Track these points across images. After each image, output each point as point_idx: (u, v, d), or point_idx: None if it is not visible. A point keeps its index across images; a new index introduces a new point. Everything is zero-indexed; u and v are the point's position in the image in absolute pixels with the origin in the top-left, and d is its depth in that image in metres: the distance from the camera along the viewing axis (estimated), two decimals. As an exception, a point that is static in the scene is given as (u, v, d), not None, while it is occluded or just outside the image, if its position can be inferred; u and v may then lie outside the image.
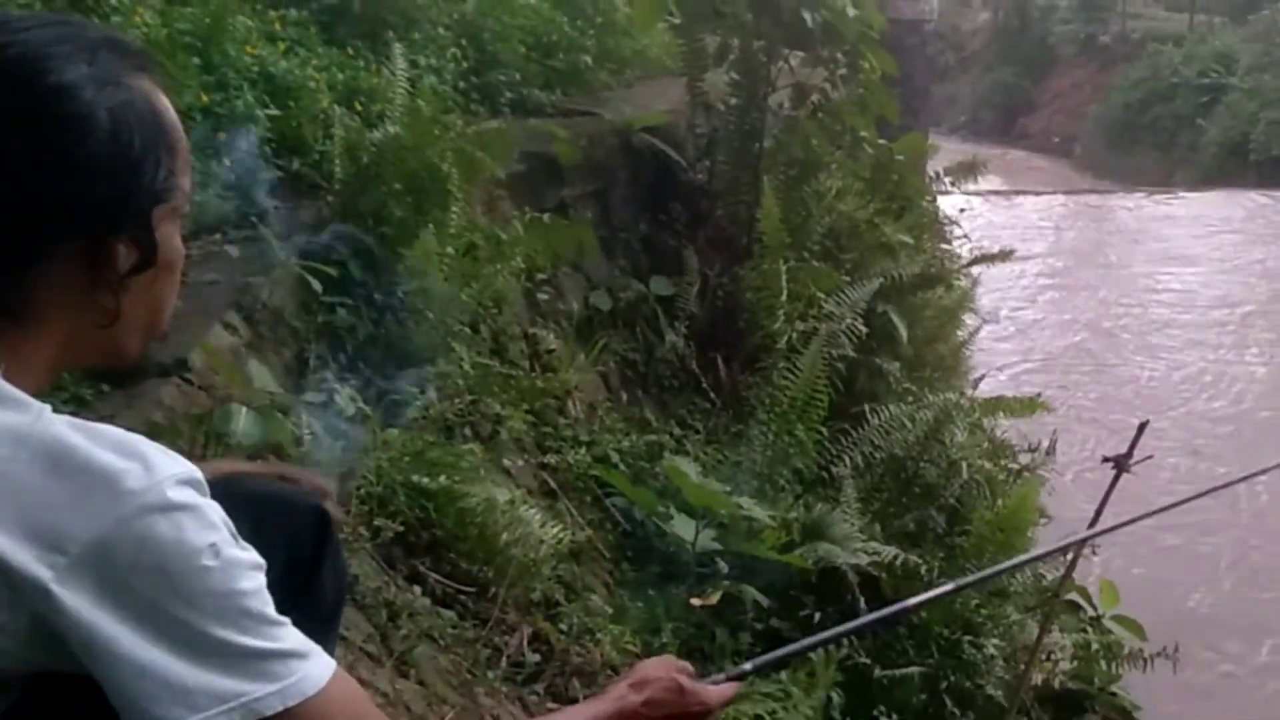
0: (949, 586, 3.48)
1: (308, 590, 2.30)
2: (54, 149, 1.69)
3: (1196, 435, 14.10)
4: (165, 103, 1.86)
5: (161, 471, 1.66)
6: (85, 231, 1.73)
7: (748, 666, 2.62)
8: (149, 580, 1.62)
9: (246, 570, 1.73)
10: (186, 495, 1.67)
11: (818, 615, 6.43)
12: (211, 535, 1.68)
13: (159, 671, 1.63)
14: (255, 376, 4.66)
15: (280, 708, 1.70)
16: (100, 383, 4.25)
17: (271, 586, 2.21)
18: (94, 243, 1.74)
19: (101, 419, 4.20)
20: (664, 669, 2.35)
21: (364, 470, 4.72)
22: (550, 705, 4.79)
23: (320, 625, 2.28)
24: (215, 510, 1.72)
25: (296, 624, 2.25)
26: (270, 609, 1.77)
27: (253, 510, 2.22)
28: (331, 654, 2.42)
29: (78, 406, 4.26)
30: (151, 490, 1.63)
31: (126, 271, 1.78)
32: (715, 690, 2.40)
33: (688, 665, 2.43)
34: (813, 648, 2.92)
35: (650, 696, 2.23)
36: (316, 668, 1.78)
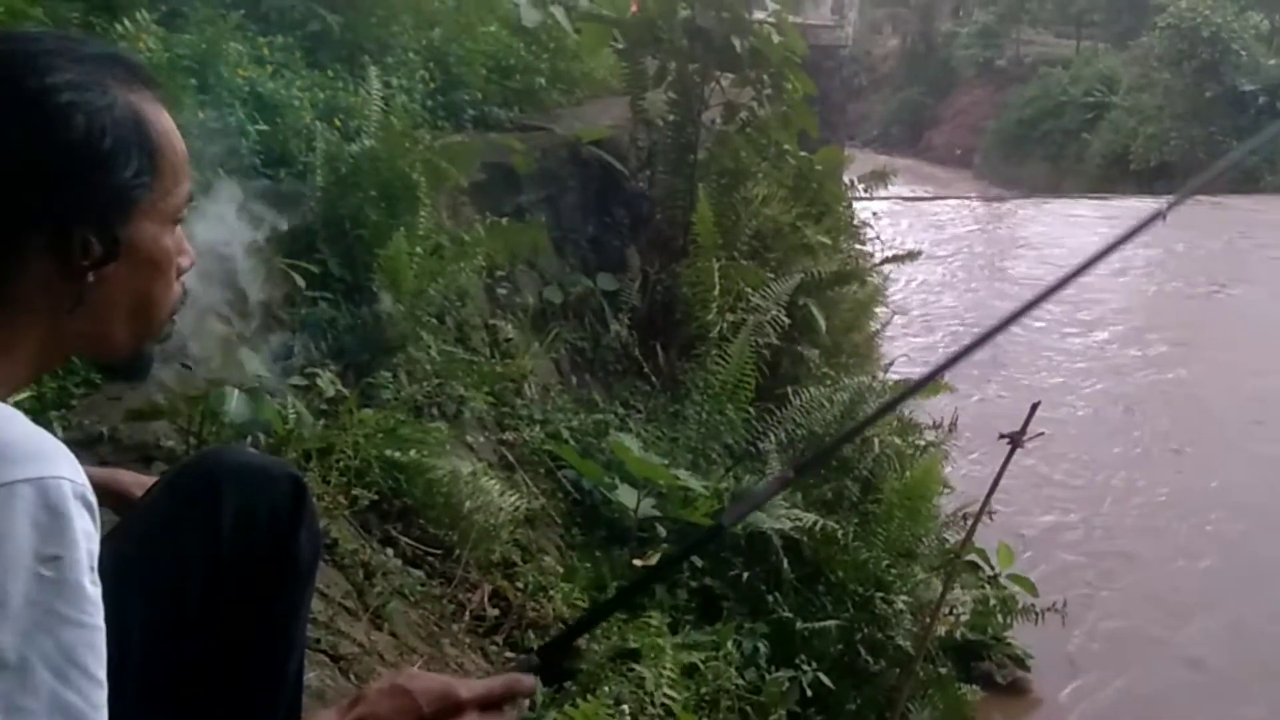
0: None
1: (287, 549, 2.28)
2: (28, 143, 1.68)
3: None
4: (157, 113, 1.84)
5: (57, 468, 1.54)
6: (53, 221, 1.71)
7: (534, 655, 2.20)
8: None
9: (88, 605, 1.54)
10: (64, 500, 1.52)
11: (745, 575, 6.45)
12: (63, 551, 1.51)
13: None
14: (246, 362, 4.66)
15: None
16: (122, 377, 4.25)
17: (256, 547, 2.23)
18: (60, 233, 1.71)
19: (109, 399, 4.23)
20: (389, 679, 1.98)
21: (343, 445, 4.73)
22: (508, 654, 4.80)
23: (299, 580, 2.31)
24: (86, 536, 1.55)
25: (278, 579, 2.29)
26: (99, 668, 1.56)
27: (236, 478, 2.26)
28: (308, 605, 2.45)
29: (90, 390, 4.27)
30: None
31: (92, 263, 1.74)
32: (468, 686, 1.96)
33: (449, 680, 2.00)
34: (595, 623, 2.67)
35: (365, 711, 1.88)
36: None
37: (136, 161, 1.77)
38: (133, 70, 1.84)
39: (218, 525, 2.18)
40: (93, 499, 1.57)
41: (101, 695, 1.53)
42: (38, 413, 3.65)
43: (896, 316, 13.11)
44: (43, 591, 1.48)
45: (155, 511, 2.13)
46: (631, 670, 4.62)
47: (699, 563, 6.29)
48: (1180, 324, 18.36)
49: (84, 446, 3.77)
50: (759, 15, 9.66)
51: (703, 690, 5.21)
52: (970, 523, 6.71)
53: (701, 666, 5.30)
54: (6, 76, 1.70)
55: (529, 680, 2.05)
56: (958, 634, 8.09)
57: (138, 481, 2.49)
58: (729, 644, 5.74)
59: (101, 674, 1.54)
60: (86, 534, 1.54)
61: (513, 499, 5.29)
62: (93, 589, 1.54)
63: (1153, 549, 10.71)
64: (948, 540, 7.93)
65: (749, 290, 8.44)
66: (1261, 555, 10.38)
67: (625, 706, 4.26)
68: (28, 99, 1.69)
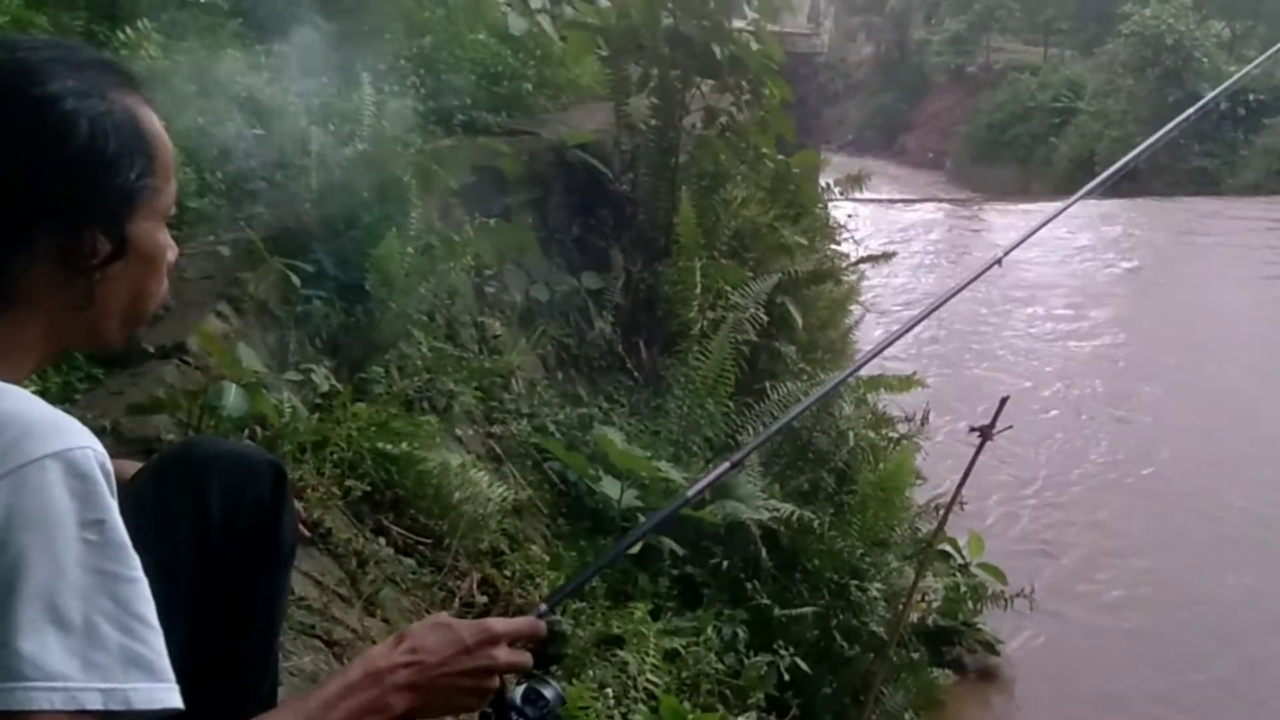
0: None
1: (271, 532, 2.31)
2: (36, 150, 1.73)
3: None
4: (150, 117, 1.88)
5: (80, 439, 1.62)
6: (62, 222, 1.76)
7: (543, 606, 2.25)
8: (27, 527, 1.53)
9: (133, 560, 1.63)
10: (92, 467, 1.60)
11: (725, 563, 6.46)
12: (103, 514, 1.60)
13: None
14: (243, 358, 4.65)
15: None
16: (111, 363, 4.26)
17: (241, 530, 2.26)
18: (70, 233, 1.77)
19: (111, 394, 4.23)
20: (431, 618, 2.05)
21: (336, 438, 4.74)
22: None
23: (282, 561, 2.36)
24: (114, 498, 1.63)
25: (263, 561, 2.31)
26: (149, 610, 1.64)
27: (221, 466, 2.29)
28: (288, 587, 2.49)
29: (93, 384, 4.28)
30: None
31: (100, 261, 1.80)
32: (500, 622, 2.08)
33: (484, 619, 2.10)
34: (593, 574, 2.75)
35: (414, 644, 1.93)
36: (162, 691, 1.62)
37: (137, 163, 1.82)
38: (124, 76, 1.89)
39: (206, 510, 2.22)
40: (110, 466, 1.64)
41: (160, 640, 1.62)
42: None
43: (869, 313, 13.14)
44: (93, 555, 1.56)
45: (144, 498, 2.14)
46: (615, 655, 4.63)
47: (680, 551, 6.30)
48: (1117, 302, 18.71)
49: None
50: (738, 23, 9.66)
51: (684, 674, 5.23)
52: (942, 513, 6.74)
53: (683, 652, 5.32)
54: (11, 86, 1.74)
55: (543, 625, 2.16)
56: (929, 620, 8.14)
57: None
58: (709, 630, 5.77)
59: (155, 620, 1.62)
60: (114, 496, 1.62)
61: (500, 490, 5.30)
62: (130, 544, 1.62)
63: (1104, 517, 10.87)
64: (920, 530, 7.96)
65: (728, 289, 8.45)
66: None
67: (609, 690, 4.28)
68: (34, 107, 1.73)
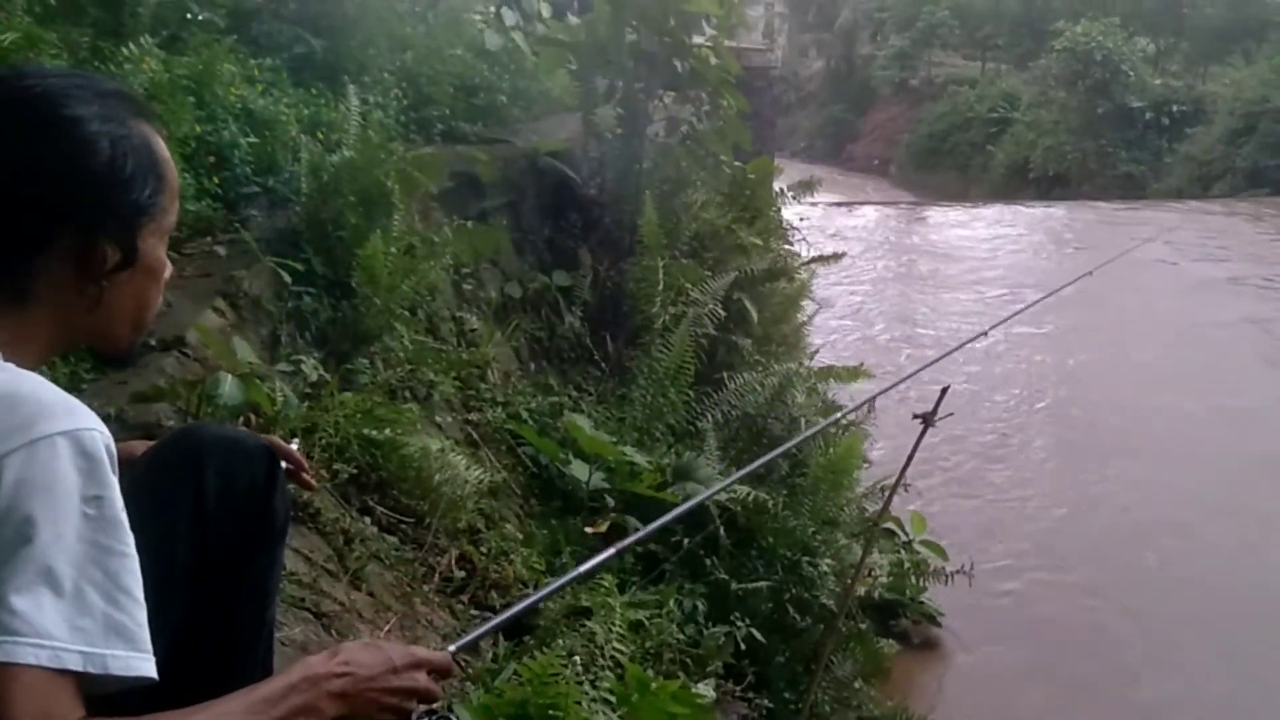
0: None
1: (264, 511, 2.33)
2: (63, 165, 1.80)
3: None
4: (160, 143, 1.95)
5: (88, 422, 1.67)
6: (80, 231, 1.82)
7: (453, 648, 2.25)
8: (35, 495, 1.58)
9: (126, 536, 1.68)
10: (97, 448, 1.66)
11: (685, 541, 6.48)
12: (103, 491, 1.66)
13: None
14: (238, 350, 4.67)
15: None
16: (111, 364, 4.27)
17: (236, 509, 2.28)
18: (87, 241, 1.83)
19: (116, 383, 4.23)
20: (363, 641, 2.10)
21: (325, 424, 4.74)
22: (474, 613, 4.83)
23: (274, 538, 2.38)
24: (115, 477, 1.69)
25: (257, 537, 2.32)
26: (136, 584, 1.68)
27: (216, 449, 2.31)
28: (281, 562, 2.50)
29: (99, 375, 4.28)
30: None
31: (111, 268, 1.86)
32: (423, 651, 2.09)
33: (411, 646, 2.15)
34: (506, 621, 2.73)
35: (349, 658, 1.93)
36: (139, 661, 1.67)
37: (150, 183, 1.89)
38: (139, 105, 1.96)
39: (203, 491, 2.24)
40: (114, 449, 1.70)
41: (143, 614, 1.67)
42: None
43: (820, 307, 13.19)
44: (90, 527, 1.61)
45: (145, 480, 2.16)
46: (584, 626, 4.64)
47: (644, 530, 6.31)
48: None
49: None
50: (698, 40, 9.69)
51: (648, 644, 5.24)
52: (887, 494, 6.77)
53: (646, 623, 5.33)
54: (43, 109, 1.81)
55: (453, 666, 2.18)
56: (876, 594, 8.18)
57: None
58: (671, 603, 5.78)
59: (141, 595, 1.67)
60: (115, 476, 1.67)
61: (477, 473, 5.31)
62: (125, 522, 1.67)
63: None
64: (867, 510, 7.98)
65: (689, 286, 8.48)
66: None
67: (578, 658, 4.29)
68: (62, 127, 1.80)
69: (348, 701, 1.88)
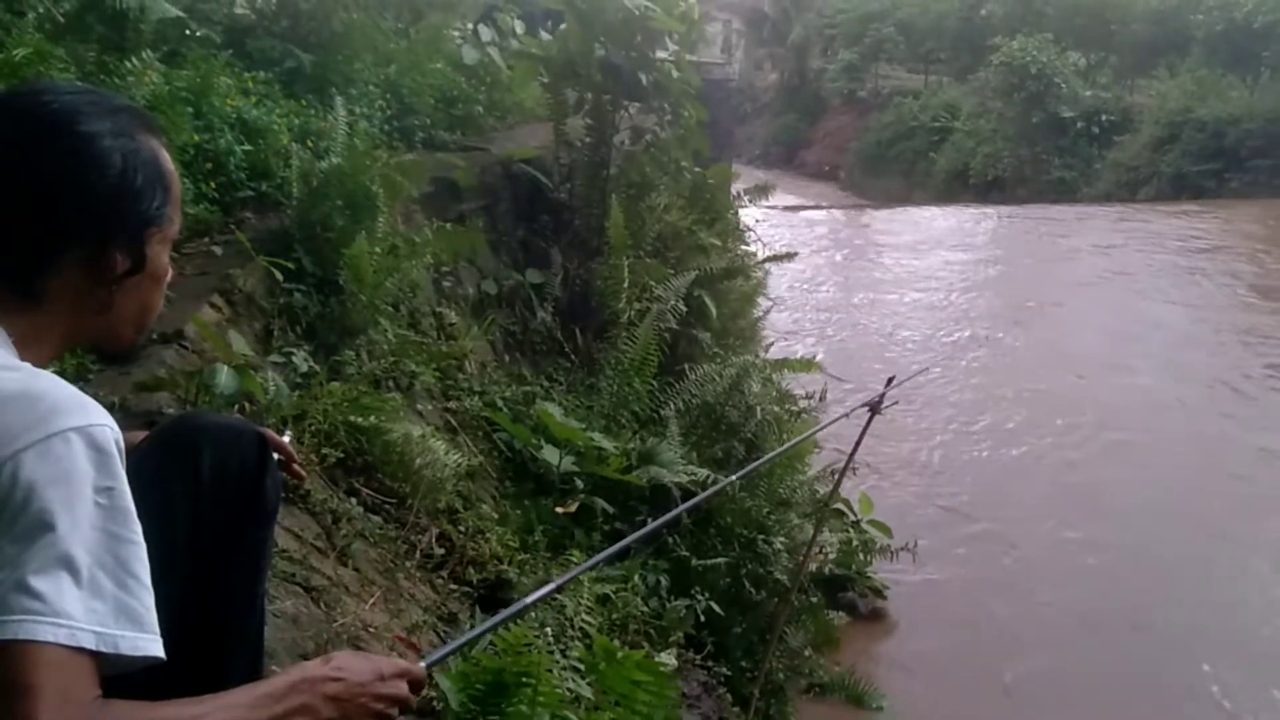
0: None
1: (256, 492, 2.34)
2: (77, 176, 1.81)
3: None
4: (166, 156, 1.96)
5: (99, 418, 1.68)
6: (93, 239, 1.84)
7: (422, 664, 2.19)
8: (51, 486, 1.58)
9: (135, 525, 1.69)
10: (108, 442, 1.66)
11: (649, 520, 6.50)
12: (114, 483, 1.66)
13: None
14: (234, 343, 4.67)
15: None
16: (112, 362, 4.27)
17: (230, 491, 2.29)
18: (98, 249, 1.85)
19: (120, 374, 4.23)
20: (351, 650, 2.08)
21: (314, 412, 4.75)
22: (453, 587, 4.85)
23: (266, 518, 2.38)
24: (123, 469, 1.69)
25: (250, 518, 2.33)
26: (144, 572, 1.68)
27: (209, 435, 2.32)
28: (272, 539, 2.51)
29: (104, 366, 4.28)
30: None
31: (121, 275, 1.88)
32: (404, 663, 2.09)
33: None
34: (478, 635, 2.72)
35: (342, 664, 1.94)
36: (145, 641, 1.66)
37: (158, 195, 1.91)
38: (148, 121, 1.98)
39: (199, 473, 2.25)
40: (123, 444, 1.70)
41: (151, 599, 1.67)
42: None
43: (774, 304, 13.23)
44: (102, 517, 1.62)
45: (146, 464, 2.17)
46: (554, 599, 4.66)
47: (611, 510, 6.33)
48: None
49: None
50: (661, 54, 9.73)
51: (614, 616, 5.26)
52: (837, 476, 6.80)
53: (613, 597, 5.35)
54: (62, 123, 1.82)
55: (425, 680, 2.16)
56: (826, 570, 8.24)
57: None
58: (636, 578, 5.81)
59: (148, 581, 1.67)
60: (124, 468, 1.68)
61: (455, 457, 5.31)
62: (134, 511, 1.67)
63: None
64: (818, 491, 8.02)
65: (653, 283, 8.50)
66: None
67: (549, 629, 4.30)
68: (77, 141, 1.82)
69: (340, 705, 1.90)
